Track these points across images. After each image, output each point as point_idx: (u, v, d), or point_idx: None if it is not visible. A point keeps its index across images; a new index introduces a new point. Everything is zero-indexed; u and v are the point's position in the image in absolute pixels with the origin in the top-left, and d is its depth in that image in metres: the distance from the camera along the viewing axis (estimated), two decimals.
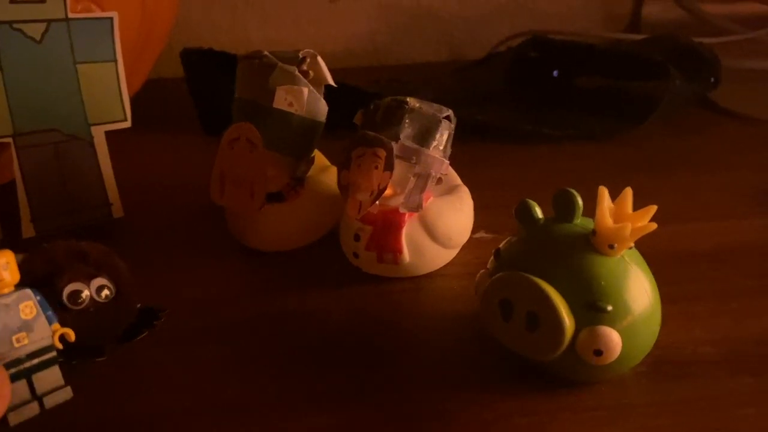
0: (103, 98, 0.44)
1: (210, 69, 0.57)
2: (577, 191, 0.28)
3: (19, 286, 0.27)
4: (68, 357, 0.29)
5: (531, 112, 0.57)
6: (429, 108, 0.33)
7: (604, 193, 0.27)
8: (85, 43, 0.42)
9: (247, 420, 0.27)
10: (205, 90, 0.57)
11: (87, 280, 0.30)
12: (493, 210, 0.39)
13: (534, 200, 0.29)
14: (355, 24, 0.78)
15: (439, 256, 0.35)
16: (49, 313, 0.26)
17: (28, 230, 0.41)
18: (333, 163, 0.42)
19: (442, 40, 0.81)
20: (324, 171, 0.41)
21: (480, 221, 0.38)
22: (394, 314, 0.33)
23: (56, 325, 0.26)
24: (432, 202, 0.35)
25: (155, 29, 0.52)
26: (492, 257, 0.29)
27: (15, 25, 0.40)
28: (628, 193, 0.28)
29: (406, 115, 0.33)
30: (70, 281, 0.29)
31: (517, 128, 0.54)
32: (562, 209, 0.28)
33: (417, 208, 0.33)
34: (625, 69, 0.60)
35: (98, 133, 0.44)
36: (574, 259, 0.26)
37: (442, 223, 0.34)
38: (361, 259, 0.35)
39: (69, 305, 0.29)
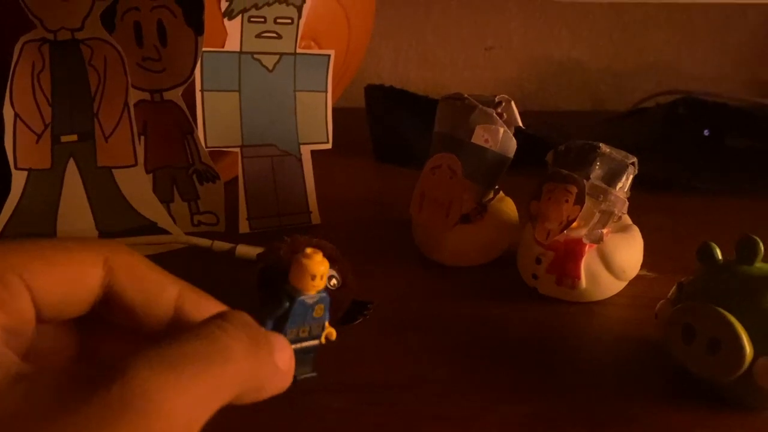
0: (313, 122, 0.51)
1: (390, 104, 0.64)
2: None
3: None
4: None
5: (682, 166, 0.61)
6: (618, 154, 0.38)
7: None
8: (305, 74, 0.50)
9: (448, 401, 0.32)
10: (382, 122, 0.64)
11: None
12: (651, 253, 0.42)
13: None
14: (505, 71, 0.84)
15: (610, 287, 0.40)
16: (328, 315, 0.31)
17: (243, 226, 0.49)
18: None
19: (587, 91, 0.85)
20: (501, 200, 0.46)
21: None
22: (570, 331, 0.38)
23: (327, 324, 0.32)
24: (610, 237, 0.39)
25: (350, 67, 0.59)
26: (674, 288, 0.33)
27: (255, 56, 0.48)
28: None
29: (598, 158, 0.38)
30: None
31: (671, 179, 0.57)
32: (746, 252, 0.31)
33: (598, 240, 0.38)
34: None
35: (305, 151, 0.51)
36: (757, 296, 0.30)
37: (618, 257, 0.39)
38: (540, 280, 0.40)
39: None
